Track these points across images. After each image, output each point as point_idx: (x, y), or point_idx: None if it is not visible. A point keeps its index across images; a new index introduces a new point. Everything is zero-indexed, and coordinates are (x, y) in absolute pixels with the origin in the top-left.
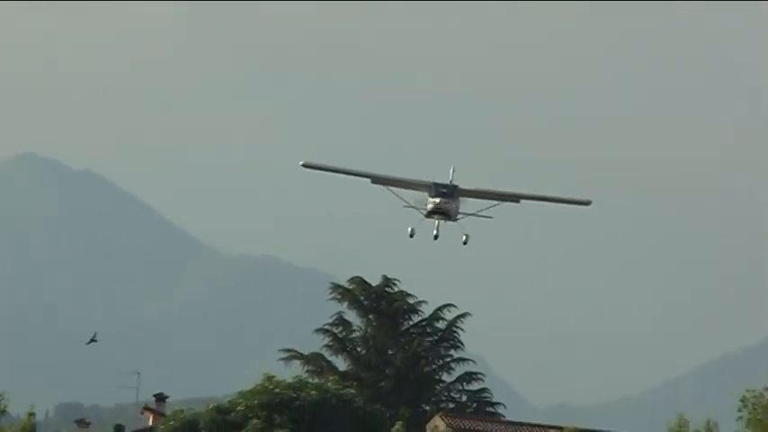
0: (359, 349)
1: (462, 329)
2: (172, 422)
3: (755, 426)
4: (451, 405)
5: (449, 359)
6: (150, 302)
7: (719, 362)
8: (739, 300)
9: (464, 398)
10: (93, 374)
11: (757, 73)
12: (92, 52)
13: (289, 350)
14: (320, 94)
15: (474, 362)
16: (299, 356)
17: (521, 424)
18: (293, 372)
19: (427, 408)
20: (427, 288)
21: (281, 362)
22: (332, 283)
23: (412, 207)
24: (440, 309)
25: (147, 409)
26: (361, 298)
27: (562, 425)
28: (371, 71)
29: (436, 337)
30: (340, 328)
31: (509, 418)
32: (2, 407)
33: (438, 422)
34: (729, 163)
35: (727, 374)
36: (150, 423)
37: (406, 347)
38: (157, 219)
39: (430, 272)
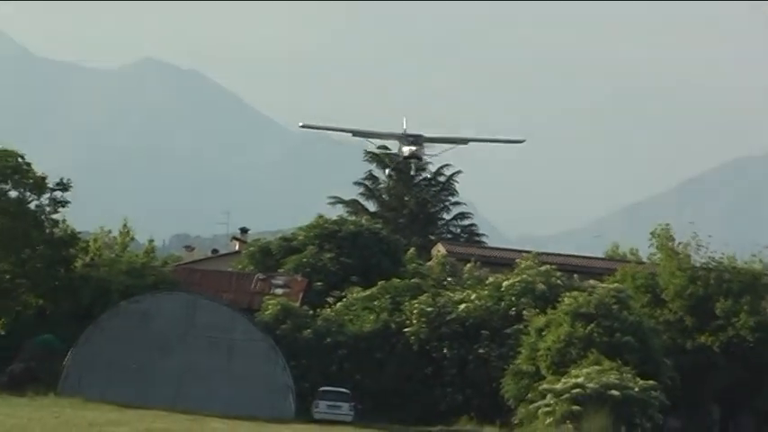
0: (384, 196)
1: (457, 181)
2: (252, 248)
3: (662, 250)
4: (449, 236)
5: (447, 203)
6: (243, 160)
7: (645, 202)
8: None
9: (458, 230)
10: (197, 213)
11: None
12: None
13: (334, 197)
14: None
15: (465, 204)
16: (342, 202)
17: (498, 248)
18: (337, 212)
19: (432, 238)
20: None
21: (329, 205)
22: (365, 150)
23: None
24: (441, 167)
25: (234, 238)
26: (386, 160)
27: (529, 249)
28: None
29: (439, 188)
30: (370, 182)
31: (490, 244)
32: (131, 235)
33: (440, 248)
34: None
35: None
36: (237, 248)
37: (417, 195)
38: (248, 108)
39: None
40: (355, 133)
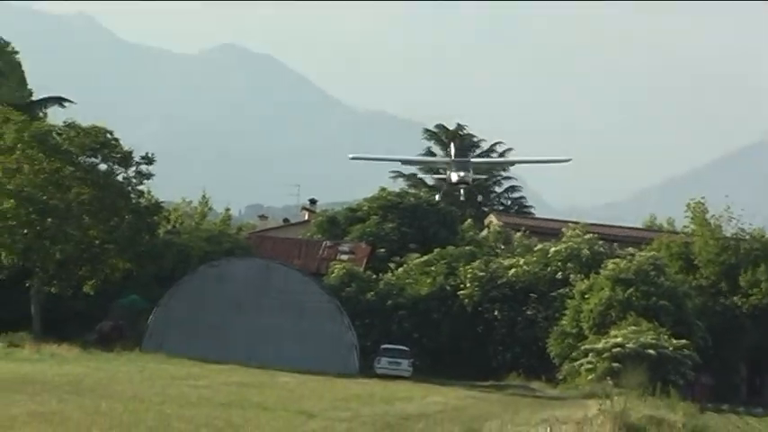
0: (441, 171)
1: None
2: (320, 218)
3: (696, 221)
4: (501, 207)
5: (499, 177)
6: (312, 137)
7: (683, 176)
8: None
9: (509, 202)
10: (270, 185)
11: None
12: None
13: (396, 172)
14: None
15: (515, 178)
16: (403, 176)
17: (545, 219)
18: (399, 186)
19: (485, 209)
20: (486, 132)
21: (391, 179)
22: (424, 128)
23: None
24: (494, 144)
25: (304, 208)
26: (443, 137)
27: (574, 220)
28: None
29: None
30: (429, 157)
31: (537, 215)
32: (209, 205)
33: (492, 218)
34: None
35: (690, 186)
36: (306, 218)
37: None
38: (316, 89)
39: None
40: (404, 162)
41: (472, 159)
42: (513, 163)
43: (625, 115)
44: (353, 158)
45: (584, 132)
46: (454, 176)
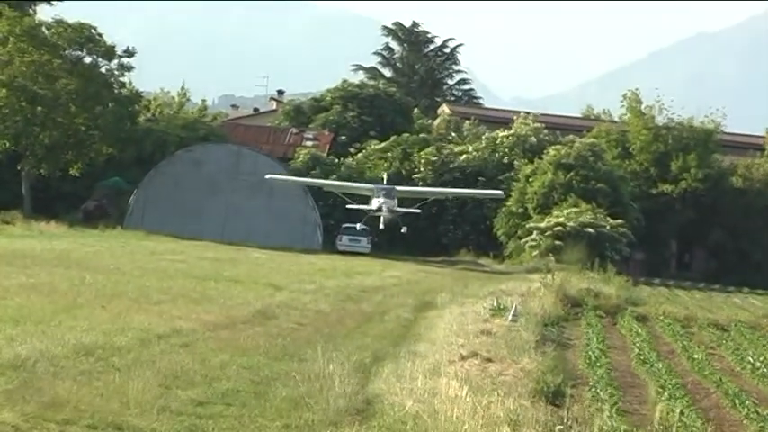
0: (398, 64)
1: (459, 53)
2: (287, 107)
3: (631, 111)
4: (453, 98)
5: (451, 70)
6: (279, 34)
7: (618, 71)
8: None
9: (460, 94)
10: (241, 77)
11: None
12: None
13: (356, 65)
14: None
15: (465, 72)
16: (363, 69)
17: (493, 109)
18: (359, 78)
19: (438, 100)
20: (440, 30)
21: (352, 72)
22: (383, 26)
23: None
24: (446, 40)
25: (272, 99)
26: (400, 33)
27: (520, 110)
28: None
29: (444, 57)
30: (387, 52)
31: (486, 105)
32: (186, 95)
33: (444, 108)
34: None
35: (625, 80)
36: (274, 107)
37: (426, 63)
38: None
39: (442, 24)
40: (319, 186)
41: (398, 188)
42: (446, 196)
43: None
44: (269, 178)
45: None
46: (375, 203)
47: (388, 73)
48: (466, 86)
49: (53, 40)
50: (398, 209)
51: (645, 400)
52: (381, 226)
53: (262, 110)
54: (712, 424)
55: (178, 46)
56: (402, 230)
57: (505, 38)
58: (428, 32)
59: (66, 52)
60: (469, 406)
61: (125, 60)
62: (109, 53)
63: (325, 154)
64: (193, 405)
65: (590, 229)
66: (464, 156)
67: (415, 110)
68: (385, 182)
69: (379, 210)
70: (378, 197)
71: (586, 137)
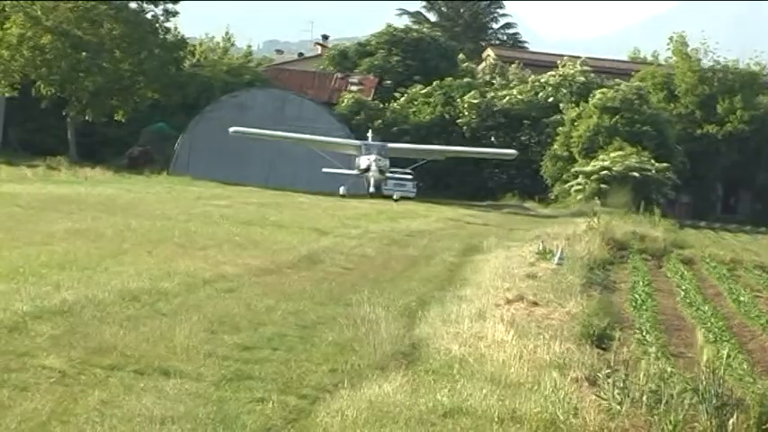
0: (443, 8)
1: None
2: (332, 52)
3: (677, 54)
4: (497, 42)
5: (496, 14)
6: None
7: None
8: None
9: (505, 38)
10: (286, 22)
11: None
12: None
13: (401, 9)
14: None
15: (511, 15)
16: (407, 13)
17: (538, 52)
18: (403, 22)
19: (483, 44)
20: None
21: (397, 16)
22: None
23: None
24: None
25: (317, 43)
26: None
27: (565, 53)
28: None
29: (488, 0)
30: (430, 5)
31: (532, 49)
32: (231, 41)
33: (489, 52)
34: None
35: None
36: (319, 52)
37: (471, 7)
38: None
39: None
40: (289, 139)
41: (390, 145)
42: (444, 155)
43: None
44: (234, 132)
45: None
46: (363, 161)
47: (432, 17)
48: (511, 30)
49: None
50: (393, 169)
51: (691, 343)
52: (371, 189)
53: (306, 55)
54: (759, 366)
55: None
56: (395, 198)
57: None
58: None
59: None
60: (515, 350)
61: (170, 6)
62: None
63: (369, 98)
64: (239, 350)
65: (635, 173)
66: (508, 98)
67: (460, 54)
68: (370, 139)
69: (368, 170)
70: (367, 155)
71: (632, 80)
